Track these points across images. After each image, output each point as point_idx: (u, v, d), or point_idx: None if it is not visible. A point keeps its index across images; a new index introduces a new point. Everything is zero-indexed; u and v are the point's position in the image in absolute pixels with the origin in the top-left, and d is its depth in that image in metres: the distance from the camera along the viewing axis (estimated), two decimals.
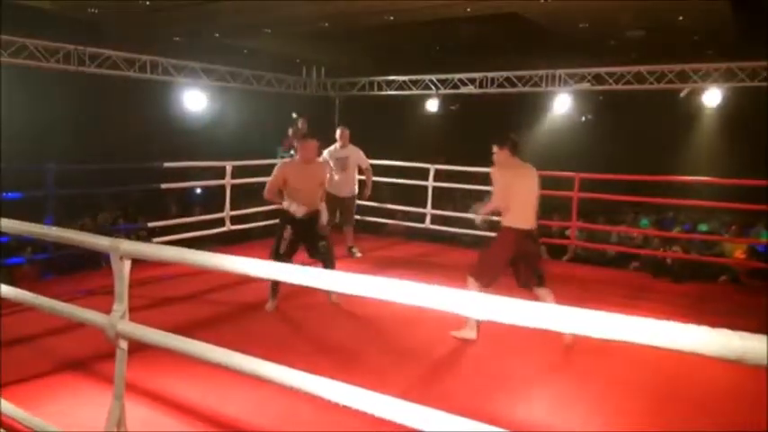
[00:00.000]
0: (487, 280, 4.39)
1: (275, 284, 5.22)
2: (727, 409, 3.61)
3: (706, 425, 3.37)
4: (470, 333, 4.51)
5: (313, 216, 5.18)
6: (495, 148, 4.53)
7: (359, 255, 7.42)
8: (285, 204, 5.08)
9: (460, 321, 4.47)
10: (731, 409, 3.60)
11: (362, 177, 7.48)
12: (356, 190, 7.45)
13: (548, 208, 9.83)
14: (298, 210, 5.02)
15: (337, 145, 7.31)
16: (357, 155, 7.31)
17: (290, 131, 8.88)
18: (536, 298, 4.39)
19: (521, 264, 4.47)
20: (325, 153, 7.23)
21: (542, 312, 1.59)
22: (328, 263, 5.21)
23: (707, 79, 8.40)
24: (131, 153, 9.77)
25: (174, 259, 2.43)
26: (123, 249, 2.47)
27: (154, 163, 7.37)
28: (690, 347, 1.39)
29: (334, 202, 7.12)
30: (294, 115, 9.07)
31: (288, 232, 5.13)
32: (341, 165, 7.19)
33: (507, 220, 4.45)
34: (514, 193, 4.39)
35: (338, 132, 7.35)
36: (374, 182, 8.45)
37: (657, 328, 1.43)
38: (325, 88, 11.17)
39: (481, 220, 4.75)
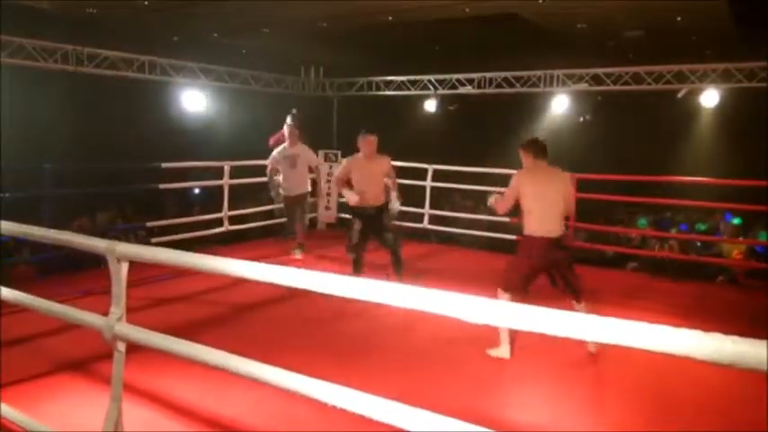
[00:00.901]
0: (512, 289, 4.20)
1: (357, 260, 5.72)
2: (723, 408, 3.62)
3: (703, 424, 3.38)
4: (504, 352, 4.30)
5: (380, 209, 5.64)
6: (521, 152, 4.41)
7: (299, 256, 7.26)
8: (343, 192, 5.62)
9: (489, 336, 4.17)
10: (728, 408, 3.61)
11: (313, 176, 7.53)
12: (308, 189, 7.42)
13: None
14: (350, 197, 5.49)
15: (286, 144, 7.26)
16: (306, 154, 7.28)
17: (286, 128, 8.82)
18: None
19: (554, 274, 4.29)
20: (275, 152, 7.23)
21: (534, 316, 1.60)
22: (395, 255, 5.69)
23: (705, 80, 8.40)
24: (130, 153, 9.77)
25: (171, 262, 2.43)
26: (120, 252, 2.47)
27: (152, 163, 7.38)
28: (682, 351, 1.40)
29: (286, 201, 7.29)
30: (294, 111, 9.03)
31: (357, 224, 5.64)
32: (289, 163, 7.15)
33: (526, 228, 4.27)
34: (532, 199, 4.19)
35: (286, 131, 7.30)
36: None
37: (650, 332, 1.44)
38: (324, 88, 11.16)
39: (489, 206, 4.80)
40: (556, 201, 4.18)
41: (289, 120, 8.89)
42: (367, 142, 5.58)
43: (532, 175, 4.24)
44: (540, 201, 4.17)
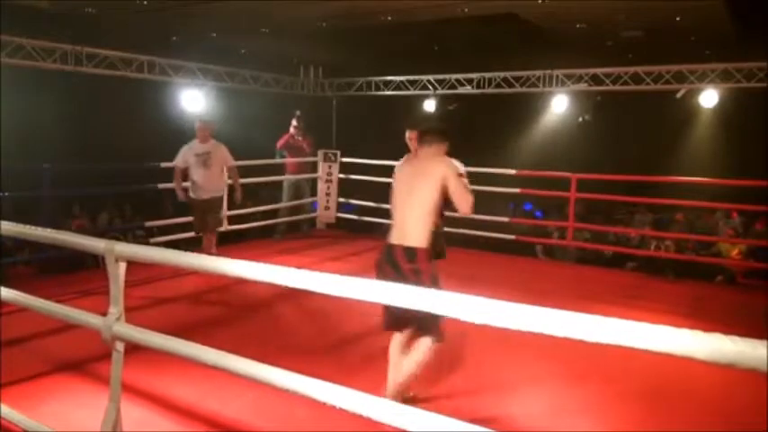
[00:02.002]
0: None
1: None
2: (723, 408, 3.62)
3: (703, 424, 3.38)
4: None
5: None
6: None
7: None
8: None
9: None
10: (728, 408, 3.61)
11: (230, 181, 6.71)
12: (222, 193, 6.66)
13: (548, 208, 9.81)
14: None
15: (196, 140, 6.40)
16: (221, 152, 6.46)
17: (292, 129, 8.91)
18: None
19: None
20: (184, 149, 6.38)
21: (534, 316, 1.59)
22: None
23: (704, 80, 8.41)
24: (128, 153, 9.75)
25: (169, 262, 2.43)
26: (118, 251, 2.47)
27: (151, 163, 7.37)
28: (682, 352, 1.40)
29: (194, 205, 6.40)
30: (298, 113, 9.09)
31: None
32: (201, 162, 6.32)
33: None
34: (393, 196, 3.38)
35: (197, 125, 6.42)
36: (373, 182, 8.41)
37: (650, 333, 1.44)
38: (323, 88, 11.16)
39: None
40: (416, 199, 3.21)
41: (294, 122, 8.98)
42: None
43: (403, 166, 3.49)
44: (399, 198, 3.31)
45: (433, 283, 3.14)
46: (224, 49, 10.64)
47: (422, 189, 3.20)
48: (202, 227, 6.48)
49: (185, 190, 6.41)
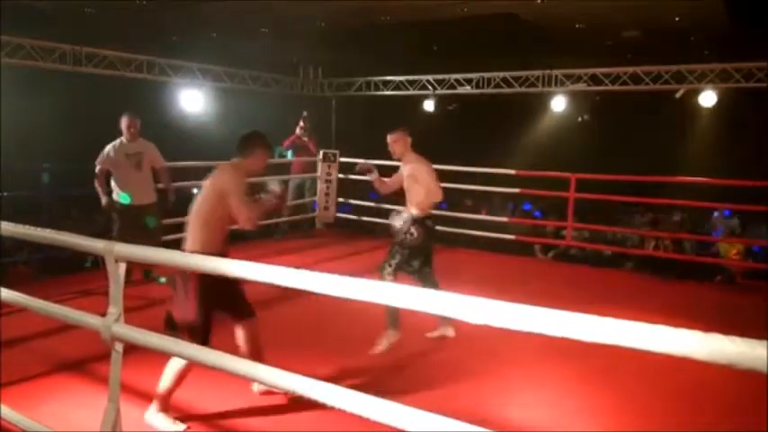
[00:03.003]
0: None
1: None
2: (723, 407, 3.62)
3: (702, 424, 3.38)
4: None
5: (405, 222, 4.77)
6: None
7: (163, 280, 5.93)
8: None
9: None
10: (728, 407, 3.61)
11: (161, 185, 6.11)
12: (155, 196, 5.96)
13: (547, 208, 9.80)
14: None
15: (124, 138, 5.70)
16: (151, 151, 5.87)
17: (299, 130, 8.94)
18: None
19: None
20: (108, 149, 5.68)
21: (533, 316, 1.59)
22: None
23: (703, 80, 8.41)
24: None
25: (169, 262, 2.43)
26: (117, 252, 2.47)
27: None
28: (682, 352, 1.40)
29: (127, 212, 5.71)
30: (305, 113, 9.13)
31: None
32: (133, 163, 5.70)
33: None
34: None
35: (125, 122, 5.68)
36: (372, 182, 8.37)
37: (650, 333, 1.44)
38: (323, 88, 11.16)
39: None
40: (199, 207, 3.31)
41: (301, 122, 9.02)
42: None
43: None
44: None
45: (192, 292, 3.15)
46: (224, 49, 10.64)
47: (203, 198, 3.30)
48: (133, 238, 5.47)
49: (109, 194, 5.74)
